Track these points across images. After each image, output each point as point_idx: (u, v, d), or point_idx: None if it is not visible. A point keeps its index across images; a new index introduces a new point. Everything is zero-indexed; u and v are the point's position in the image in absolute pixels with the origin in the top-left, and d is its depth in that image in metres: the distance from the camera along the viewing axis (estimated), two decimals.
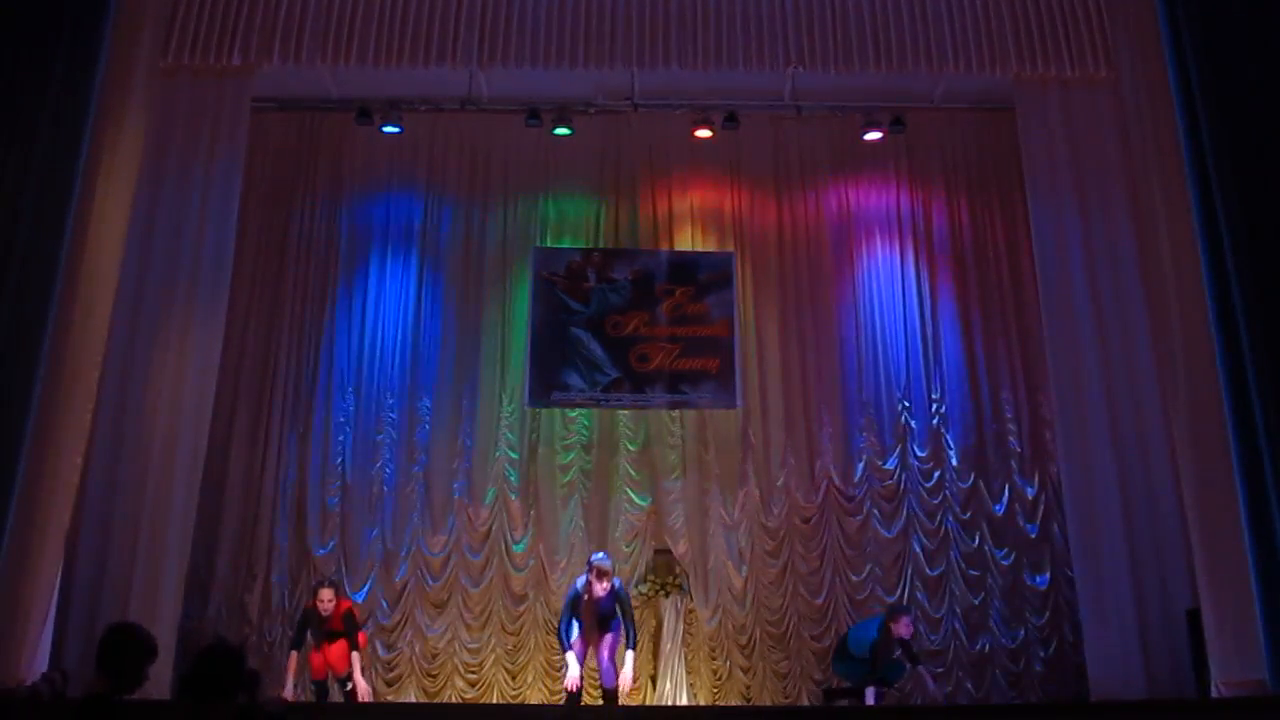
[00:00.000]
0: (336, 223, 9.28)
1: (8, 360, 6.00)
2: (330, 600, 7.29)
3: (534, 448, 8.85)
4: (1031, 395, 8.88)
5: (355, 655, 7.34)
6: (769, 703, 8.20)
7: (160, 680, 6.30)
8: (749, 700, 8.27)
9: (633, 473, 8.80)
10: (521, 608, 8.51)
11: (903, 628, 7.31)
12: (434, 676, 8.35)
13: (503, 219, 9.36)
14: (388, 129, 9.08)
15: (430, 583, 8.52)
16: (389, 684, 8.25)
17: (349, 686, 7.52)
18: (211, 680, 3.40)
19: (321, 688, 7.52)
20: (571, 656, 6.82)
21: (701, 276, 9.14)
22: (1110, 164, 7.95)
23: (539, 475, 8.78)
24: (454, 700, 8.19)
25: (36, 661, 6.45)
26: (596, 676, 8.18)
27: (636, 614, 7.55)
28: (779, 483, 8.75)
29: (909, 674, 7.55)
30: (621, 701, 6.95)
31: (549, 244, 9.28)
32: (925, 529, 8.67)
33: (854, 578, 8.55)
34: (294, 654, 7.44)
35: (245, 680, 3.46)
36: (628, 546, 8.58)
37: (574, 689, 6.86)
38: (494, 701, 8.22)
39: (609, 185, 9.45)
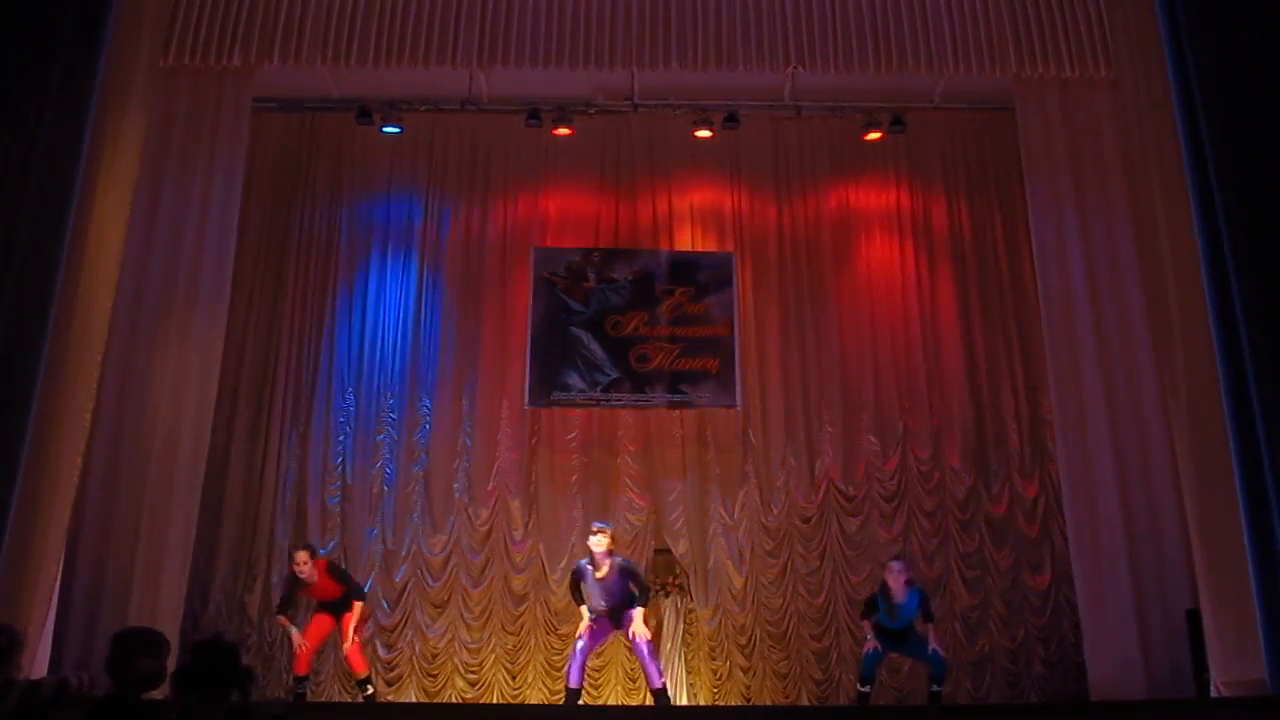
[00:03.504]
0: (336, 223, 9.28)
1: (8, 360, 5.98)
2: (306, 563, 7.23)
3: (534, 448, 8.85)
4: (1031, 395, 8.88)
5: (357, 607, 7.33)
6: (769, 703, 8.20)
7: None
8: (749, 700, 8.27)
9: (633, 473, 8.80)
10: (521, 608, 8.51)
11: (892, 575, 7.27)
12: (434, 676, 8.35)
13: (503, 219, 9.37)
14: (388, 129, 9.09)
15: (430, 583, 8.52)
16: (389, 684, 8.24)
17: (369, 690, 7.49)
18: (206, 677, 3.38)
19: (301, 683, 7.40)
20: (585, 609, 7.11)
21: (701, 276, 9.13)
22: (1110, 164, 7.95)
23: (539, 475, 8.78)
24: (454, 700, 8.19)
25: (36, 662, 6.43)
26: (597, 676, 8.26)
27: None
28: (779, 483, 8.74)
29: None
30: (641, 638, 7.04)
31: (549, 244, 9.28)
32: (925, 529, 8.67)
33: (854, 578, 8.53)
34: (282, 619, 7.44)
35: (240, 677, 3.44)
36: (628, 547, 8.57)
37: (577, 684, 7.00)
38: (494, 701, 8.22)
39: (609, 185, 9.44)
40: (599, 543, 7.01)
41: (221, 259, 7.84)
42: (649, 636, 7.13)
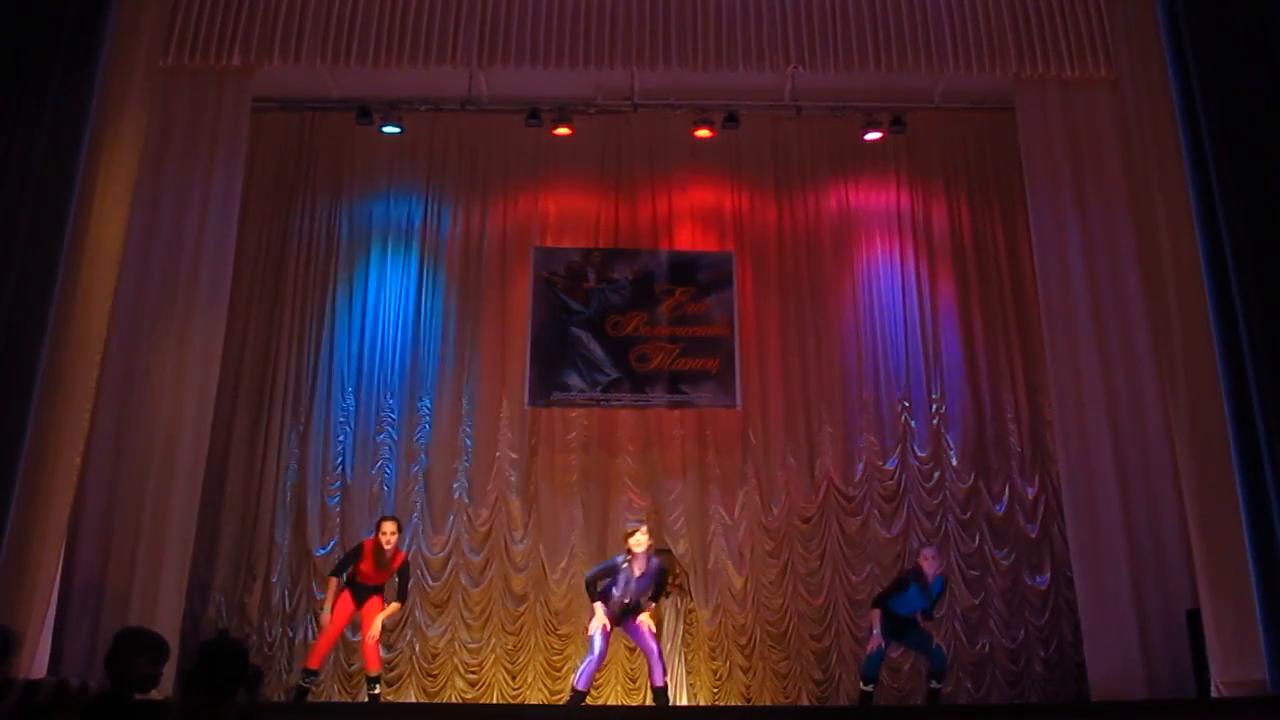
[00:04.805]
0: (336, 223, 9.28)
1: (8, 360, 5.98)
2: (394, 533, 7.16)
3: (534, 448, 8.85)
4: (1031, 395, 8.88)
5: (395, 607, 7.26)
6: (769, 703, 8.20)
7: (165, 679, 6.28)
8: (749, 700, 8.27)
9: (633, 473, 8.79)
10: (521, 608, 8.50)
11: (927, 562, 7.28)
12: (434, 676, 8.34)
13: (503, 219, 9.38)
14: (388, 129, 9.10)
15: (430, 583, 8.52)
16: (389, 684, 8.23)
17: (376, 689, 7.35)
18: (215, 677, 3.38)
19: (309, 677, 7.21)
20: (600, 607, 6.91)
21: (701, 276, 9.14)
22: (1110, 164, 7.95)
23: (539, 475, 8.78)
24: (454, 700, 8.19)
25: (36, 662, 6.43)
26: (598, 676, 8.24)
27: None
28: (779, 483, 8.74)
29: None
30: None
31: (549, 244, 9.28)
32: (925, 529, 8.66)
33: (854, 578, 8.54)
34: (333, 579, 7.24)
35: (248, 677, 3.45)
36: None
37: (585, 688, 6.92)
38: (494, 701, 8.22)
39: (609, 185, 9.44)
40: (639, 541, 6.98)
41: (221, 259, 7.85)
42: (654, 628, 7.07)
